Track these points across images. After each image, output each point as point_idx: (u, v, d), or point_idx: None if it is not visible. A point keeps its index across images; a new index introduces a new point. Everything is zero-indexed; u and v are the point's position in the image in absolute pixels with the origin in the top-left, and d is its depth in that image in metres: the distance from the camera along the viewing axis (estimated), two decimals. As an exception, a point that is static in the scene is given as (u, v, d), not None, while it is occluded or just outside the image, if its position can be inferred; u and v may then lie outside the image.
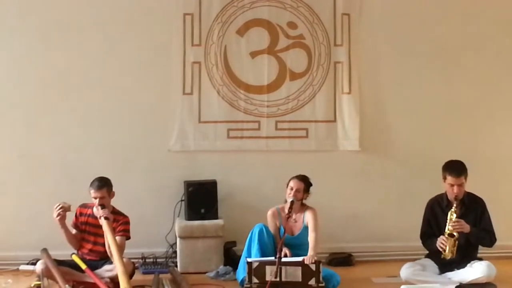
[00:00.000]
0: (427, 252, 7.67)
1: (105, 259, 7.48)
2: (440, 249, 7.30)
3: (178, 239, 8.30)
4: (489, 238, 7.45)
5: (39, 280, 7.09)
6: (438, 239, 7.32)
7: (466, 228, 7.29)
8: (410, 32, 8.79)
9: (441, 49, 8.81)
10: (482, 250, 7.63)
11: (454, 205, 7.33)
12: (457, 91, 8.86)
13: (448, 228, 7.29)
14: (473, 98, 8.88)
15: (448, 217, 7.33)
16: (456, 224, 7.26)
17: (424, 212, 7.66)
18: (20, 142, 8.46)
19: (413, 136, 8.85)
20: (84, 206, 7.70)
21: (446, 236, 7.27)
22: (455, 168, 7.42)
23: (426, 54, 8.80)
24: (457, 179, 7.36)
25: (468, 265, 7.36)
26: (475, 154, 8.68)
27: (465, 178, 7.40)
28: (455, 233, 7.25)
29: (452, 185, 7.38)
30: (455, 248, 7.27)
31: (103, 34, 8.53)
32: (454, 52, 8.83)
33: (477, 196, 7.56)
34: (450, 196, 7.43)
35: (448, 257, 7.29)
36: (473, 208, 7.49)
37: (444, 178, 7.44)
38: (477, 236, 7.40)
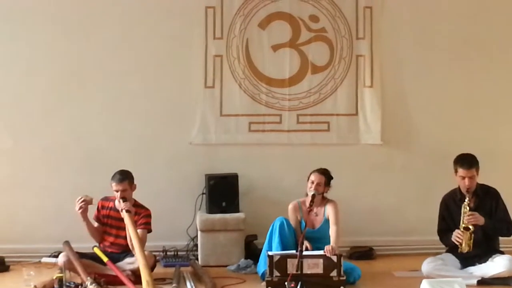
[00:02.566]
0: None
1: (127, 252, 7.51)
2: (457, 243, 7.30)
3: (199, 232, 8.31)
4: (506, 228, 7.45)
5: (61, 273, 7.07)
6: (454, 233, 7.32)
7: (481, 220, 7.29)
8: (432, 25, 8.75)
9: (463, 42, 8.77)
10: (504, 244, 7.62)
11: (467, 198, 7.33)
12: (479, 84, 8.82)
13: (463, 221, 7.28)
14: (495, 91, 8.84)
15: (462, 211, 7.32)
16: (471, 217, 7.25)
17: (439, 209, 7.65)
18: (41, 136, 8.50)
19: (435, 130, 8.81)
20: (106, 199, 7.73)
21: (462, 229, 7.27)
22: (466, 161, 7.43)
23: (448, 47, 8.76)
24: (468, 171, 7.37)
25: (490, 259, 7.34)
26: (497, 147, 8.70)
27: (477, 171, 7.40)
28: (470, 226, 7.25)
29: (463, 178, 7.39)
30: (471, 241, 7.27)
31: (124, 26, 8.56)
32: (476, 45, 8.78)
33: (490, 187, 7.55)
34: (463, 189, 7.42)
35: (465, 251, 7.29)
36: (488, 199, 7.49)
37: (456, 171, 7.46)
38: (493, 227, 7.39)
